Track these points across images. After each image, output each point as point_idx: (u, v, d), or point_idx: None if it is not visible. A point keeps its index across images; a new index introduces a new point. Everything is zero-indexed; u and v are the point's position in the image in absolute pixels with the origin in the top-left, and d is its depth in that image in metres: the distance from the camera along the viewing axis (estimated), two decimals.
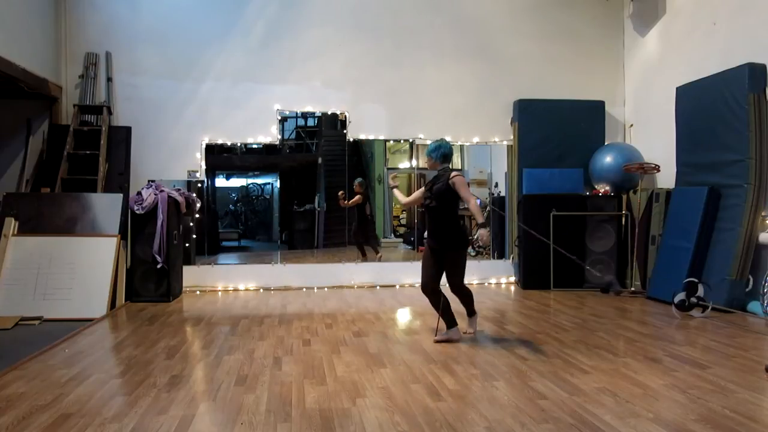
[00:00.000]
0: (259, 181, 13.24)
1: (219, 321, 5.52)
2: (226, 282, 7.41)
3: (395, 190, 4.92)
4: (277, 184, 12.57)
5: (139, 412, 3.04)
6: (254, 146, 9.48)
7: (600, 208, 7.25)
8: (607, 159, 7.34)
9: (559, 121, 7.68)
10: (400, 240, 10.64)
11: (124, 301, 6.27)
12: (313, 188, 11.34)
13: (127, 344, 4.59)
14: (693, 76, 6.43)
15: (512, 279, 7.87)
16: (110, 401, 3.22)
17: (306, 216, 10.91)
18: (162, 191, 6.50)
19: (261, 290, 7.34)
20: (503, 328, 5.09)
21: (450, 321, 4.54)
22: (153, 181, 6.91)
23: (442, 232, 4.45)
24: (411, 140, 7.98)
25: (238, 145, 8.61)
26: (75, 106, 6.99)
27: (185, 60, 7.41)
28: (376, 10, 7.75)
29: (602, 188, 7.42)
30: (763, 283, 5.10)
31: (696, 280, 5.54)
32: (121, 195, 6.43)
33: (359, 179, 8.86)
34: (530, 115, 7.69)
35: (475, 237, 9.65)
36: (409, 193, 10.79)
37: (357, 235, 8.74)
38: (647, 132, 7.64)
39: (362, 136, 7.82)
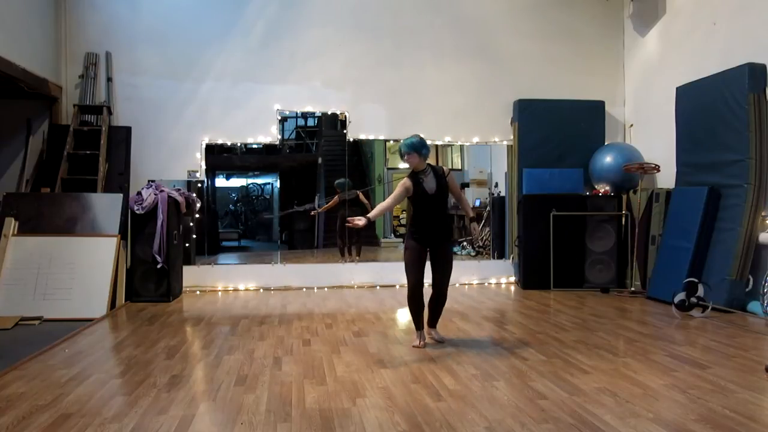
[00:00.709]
0: (259, 181, 13.25)
1: (219, 321, 5.52)
2: (226, 282, 7.41)
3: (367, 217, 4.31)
4: (277, 184, 12.57)
5: (139, 412, 3.04)
6: (254, 146, 9.49)
7: (600, 208, 7.25)
8: (607, 159, 7.34)
9: (559, 121, 7.67)
10: (400, 240, 10.64)
11: (124, 301, 6.27)
12: (313, 188, 11.35)
13: (127, 344, 4.59)
14: (693, 76, 6.43)
15: (512, 279, 7.87)
16: (110, 401, 3.22)
17: (306, 216, 10.92)
18: (162, 191, 6.50)
19: (261, 290, 7.34)
20: (503, 328, 5.09)
21: (421, 324, 4.47)
22: (153, 181, 6.90)
23: (444, 228, 4.42)
24: None
25: (238, 145, 8.63)
26: (75, 106, 6.99)
27: (185, 60, 7.41)
28: (376, 10, 7.75)
29: (602, 188, 7.42)
30: (763, 283, 5.10)
31: (696, 280, 5.53)
32: (121, 195, 6.43)
33: (337, 181, 8.84)
34: (530, 115, 7.69)
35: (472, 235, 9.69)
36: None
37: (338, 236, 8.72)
38: (647, 132, 7.64)
39: (362, 136, 7.81)
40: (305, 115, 10.50)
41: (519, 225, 7.55)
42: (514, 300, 6.70)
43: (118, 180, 6.87)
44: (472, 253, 9.68)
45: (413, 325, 4.50)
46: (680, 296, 5.47)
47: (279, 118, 7.67)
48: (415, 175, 4.36)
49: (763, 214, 5.66)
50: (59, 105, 7.08)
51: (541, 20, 7.95)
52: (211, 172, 10.68)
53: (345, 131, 7.78)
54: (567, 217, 7.20)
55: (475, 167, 10.21)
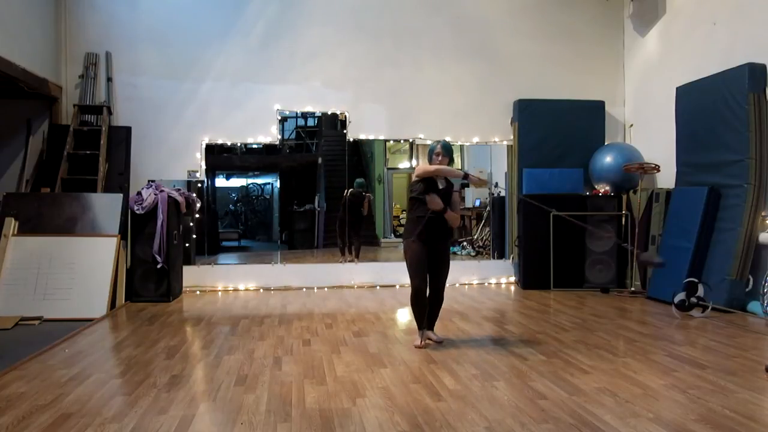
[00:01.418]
0: (259, 181, 13.25)
1: (219, 321, 5.52)
2: (226, 282, 7.41)
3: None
4: (277, 184, 12.57)
5: (139, 412, 3.04)
6: (254, 146, 9.49)
7: (600, 208, 7.25)
8: (607, 159, 7.34)
9: (559, 121, 7.68)
10: (400, 240, 10.64)
11: (124, 301, 6.27)
12: (313, 188, 11.35)
13: (127, 344, 4.58)
14: (693, 76, 6.43)
15: (512, 279, 7.87)
16: (110, 401, 3.22)
17: (306, 216, 10.92)
18: (162, 191, 6.50)
19: (261, 290, 7.34)
20: (503, 328, 5.09)
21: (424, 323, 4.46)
22: (153, 181, 6.91)
23: (444, 227, 4.41)
24: (411, 140, 7.98)
25: (238, 145, 8.63)
26: (75, 106, 6.99)
27: (185, 60, 7.41)
28: (376, 10, 7.75)
29: (602, 188, 7.42)
30: (763, 283, 5.11)
31: (696, 280, 5.54)
32: (121, 195, 6.43)
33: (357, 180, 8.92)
34: (530, 115, 7.69)
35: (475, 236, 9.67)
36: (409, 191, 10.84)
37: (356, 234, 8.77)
38: (647, 132, 7.64)
39: (362, 136, 7.81)
40: (305, 115, 10.49)
41: (519, 225, 7.55)
42: (514, 300, 6.70)
43: (118, 180, 6.87)
44: (472, 253, 9.68)
45: (414, 325, 4.50)
46: (680, 296, 5.47)
47: (279, 118, 7.67)
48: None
49: (763, 214, 5.66)
50: (59, 105, 7.08)
51: (541, 20, 7.95)
52: (211, 172, 10.68)
53: (345, 131, 7.78)
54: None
55: (475, 167, 10.20)
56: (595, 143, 7.68)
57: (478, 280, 7.81)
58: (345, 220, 8.54)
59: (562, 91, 7.83)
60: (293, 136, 11.73)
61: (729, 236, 5.75)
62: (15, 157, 7.00)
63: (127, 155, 7.00)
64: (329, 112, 7.92)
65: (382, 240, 10.69)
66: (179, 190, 6.95)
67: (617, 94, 8.10)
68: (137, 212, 6.38)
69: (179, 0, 7.47)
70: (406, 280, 7.45)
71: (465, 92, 7.84)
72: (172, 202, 6.58)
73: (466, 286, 7.62)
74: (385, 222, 10.99)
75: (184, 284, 7.14)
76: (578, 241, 7.20)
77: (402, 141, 8.56)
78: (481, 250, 9.66)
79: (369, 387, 3.45)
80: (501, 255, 8.25)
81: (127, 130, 7.08)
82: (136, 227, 6.48)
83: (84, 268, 5.87)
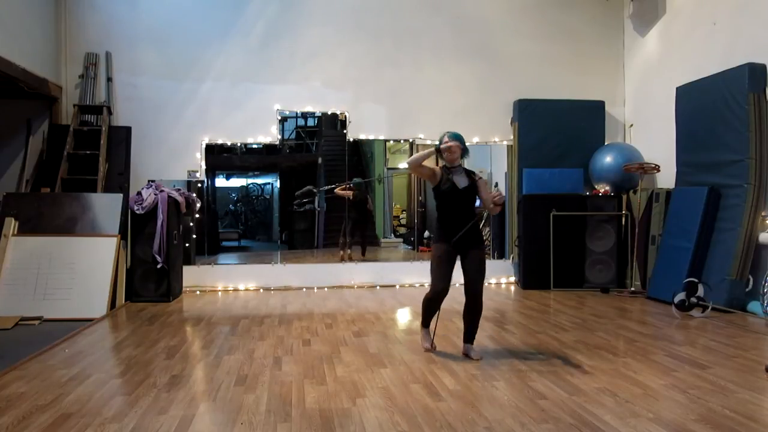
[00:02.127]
0: (259, 181, 13.24)
1: (219, 321, 5.52)
2: (226, 282, 7.41)
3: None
4: (277, 184, 12.56)
5: (139, 412, 3.04)
6: (254, 146, 9.48)
7: (600, 208, 7.25)
8: (607, 159, 7.34)
9: (559, 121, 7.68)
10: (401, 240, 10.64)
11: (124, 301, 6.27)
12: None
13: (127, 344, 4.58)
14: (693, 76, 6.43)
15: (512, 279, 7.87)
16: (110, 401, 3.22)
17: (306, 216, 10.91)
18: (162, 191, 6.50)
19: (261, 290, 7.34)
20: (503, 328, 5.09)
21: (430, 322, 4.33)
22: (153, 181, 6.91)
23: (475, 230, 4.11)
24: (411, 140, 7.97)
25: (238, 145, 8.62)
26: (75, 106, 6.99)
27: (185, 60, 7.41)
28: (376, 10, 7.76)
29: (602, 188, 7.42)
30: (763, 283, 5.11)
31: (696, 280, 5.54)
32: (121, 195, 6.43)
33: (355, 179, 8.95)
34: (530, 115, 7.69)
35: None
36: (409, 195, 10.79)
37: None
38: (647, 132, 7.64)
39: (362, 136, 7.82)
40: (305, 115, 10.48)
41: (519, 225, 7.55)
42: (514, 300, 6.69)
43: (118, 180, 6.87)
44: None
45: (418, 324, 4.41)
46: (680, 296, 5.47)
47: (279, 118, 7.67)
48: (446, 168, 4.11)
49: (763, 214, 5.66)
50: (59, 105, 7.09)
51: (541, 20, 7.95)
52: (211, 172, 10.67)
53: (345, 131, 7.78)
54: (567, 217, 7.20)
55: (475, 167, 10.20)
56: (595, 143, 7.68)
57: None
58: (351, 218, 8.62)
59: (562, 91, 7.83)
60: (293, 136, 11.72)
61: (729, 236, 5.75)
62: (15, 157, 7.00)
63: (127, 155, 7.00)
64: (329, 112, 7.92)
65: (382, 240, 10.69)
66: (179, 190, 6.95)
67: (617, 94, 8.10)
68: (137, 212, 6.38)
69: (179, 0, 7.47)
70: (406, 280, 7.45)
71: (465, 92, 7.84)
72: (172, 202, 6.58)
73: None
74: (385, 222, 10.99)
75: (184, 284, 7.14)
76: (578, 241, 7.20)
77: (402, 141, 8.55)
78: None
79: (369, 387, 3.45)
80: (501, 255, 8.24)
81: (127, 130, 7.08)
82: (136, 227, 6.48)
83: (84, 268, 5.87)
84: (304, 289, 7.36)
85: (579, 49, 8.01)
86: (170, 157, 7.33)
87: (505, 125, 7.90)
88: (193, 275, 7.30)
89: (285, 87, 7.58)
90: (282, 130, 8.35)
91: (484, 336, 4.77)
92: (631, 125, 7.98)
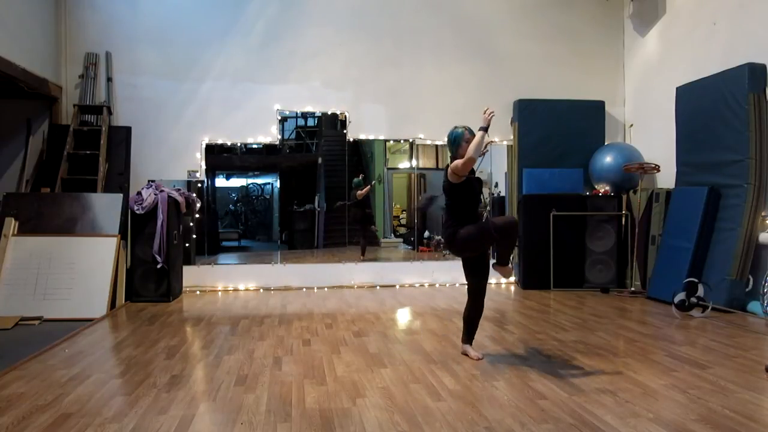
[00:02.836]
0: (259, 181, 13.23)
1: (219, 321, 5.52)
2: (226, 282, 7.41)
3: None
4: (277, 184, 12.56)
5: (139, 412, 3.04)
6: (254, 146, 9.47)
7: (600, 208, 7.25)
8: (607, 159, 7.34)
9: (559, 121, 7.68)
10: (401, 240, 10.63)
11: (124, 301, 6.27)
12: (313, 188, 11.33)
13: (127, 344, 4.58)
14: (693, 76, 6.43)
15: (512, 279, 7.87)
16: (110, 401, 3.22)
17: (306, 216, 10.90)
18: (162, 191, 6.50)
19: (261, 290, 7.34)
20: (503, 328, 5.09)
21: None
22: (153, 181, 6.91)
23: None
24: (411, 140, 7.97)
25: (238, 145, 8.61)
26: (75, 106, 6.99)
27: (185, 60, 7.41)
28: (376, 10, 7.76)
29: (602, 188, 7.42)
30: (763, 283, 5.10)
31: (696, 280, 5.54)
32: (121, 195, 6.43)
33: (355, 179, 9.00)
34: (530, 115, 7.70)
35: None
36: (409, 195, 10.78)
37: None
38: (647, 132, 7.64)
39: (362, 136, 7.82)
40: (305, 115, 10.47)
41: (519, 225, 7.54)
42: (514, 300, 6.69)
43: (118, 180, 6.87)
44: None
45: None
46: (680, 296, 5.47)
47: (279, 118, 7.68)
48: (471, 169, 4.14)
49: (763, 214, 5.66)
50: (59, 105, 7.08)
51: (541, 20, 7.96)
52: (211, 172, 10.65)
53: (345, 131, 7.78)
54: (567, 217, 7.21)
55: (474, 167, 10.20)
56: (595, 143, 7.68)
57: None
58: (356, 216, 8.66)
59: (562, 91, 7.83)
60: (293, 136, 11.71)
61: (729, 236, 5.75)
62: (15, 157, 7.00)
63: (127, 155, 7.00)
64: (329, 112, 7.92)
65: (382, 240, 10.68)
66: (179, 190, 6.95)
67: (617, 94, 8.10)
68: (137, 212, 6.38)
69: (179, 0, 7.47)
70: (406, 280, 7.44)
71: (465, 92, 7.83)
72: (172, 202, 6.58)
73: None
74: (385, 222, 10.98)
75: (184, 284, 7.14)
76: (578, 241, 7.20)
77: (402, 141, 8.55)
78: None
79: (369, 387, 3.45)
80: None
81: (127, 130, 7.08)
82: (136, 227, 6.48)
83: (84, 268, 5.87)
84: (304, 289, 7.36)
85: (579, 49, 8.02)
86: (170, 157, 7.33)
87: (505, 125, 7.90)
88: (193, 275, 7.30)
89: (285, 87, 7.58)
90: (282, 130, 8.35)
91: (484, 336, 4.77)
92: (631, 125, 7.98)
